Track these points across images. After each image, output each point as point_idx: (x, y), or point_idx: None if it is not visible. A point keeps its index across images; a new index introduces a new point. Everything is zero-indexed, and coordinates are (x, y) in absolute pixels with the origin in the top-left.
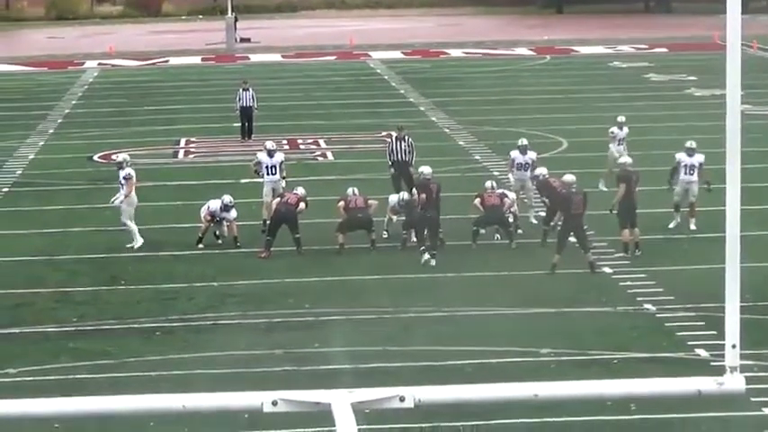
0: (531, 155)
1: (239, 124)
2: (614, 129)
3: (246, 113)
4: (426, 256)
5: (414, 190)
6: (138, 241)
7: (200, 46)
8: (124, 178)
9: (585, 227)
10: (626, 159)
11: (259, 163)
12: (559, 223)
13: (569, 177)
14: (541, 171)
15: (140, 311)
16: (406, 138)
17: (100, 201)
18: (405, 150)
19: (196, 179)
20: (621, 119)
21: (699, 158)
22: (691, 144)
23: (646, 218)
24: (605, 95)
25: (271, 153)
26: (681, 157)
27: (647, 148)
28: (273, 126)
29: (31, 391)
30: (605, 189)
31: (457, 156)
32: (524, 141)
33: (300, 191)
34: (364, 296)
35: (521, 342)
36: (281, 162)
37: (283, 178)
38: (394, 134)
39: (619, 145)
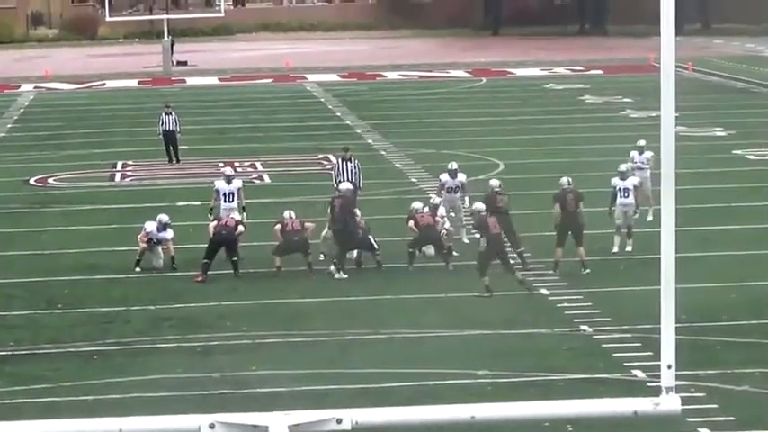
0: (461, 177)
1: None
2: (633, 153)
3: (170, 138)
4: (335, 271)
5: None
6: None
7: (136, 69)
8: None
9: (522, 249)
10: (563, 180)
11: (217, 191)
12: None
13: (478, 205)
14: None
15: (77, 335)
16: (352, 159)
17: (36, 225)
18: (352, 172)
19: (133, 202)
20: (642, 142)
21: (633, 181)
22: (622, 167)
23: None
24: (541, 117)
25: (229, 180)
26: (615, 181)
27: (582, 169)
28: (210, 149)
29: None
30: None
31: (393, 178)
32: (454, 165)
33: (236, 215)
34: (301, 319)
35: (457, 364)
36: (239, 189)
37: (243, 209)
38: (339, 156)
39: (642, 169)
